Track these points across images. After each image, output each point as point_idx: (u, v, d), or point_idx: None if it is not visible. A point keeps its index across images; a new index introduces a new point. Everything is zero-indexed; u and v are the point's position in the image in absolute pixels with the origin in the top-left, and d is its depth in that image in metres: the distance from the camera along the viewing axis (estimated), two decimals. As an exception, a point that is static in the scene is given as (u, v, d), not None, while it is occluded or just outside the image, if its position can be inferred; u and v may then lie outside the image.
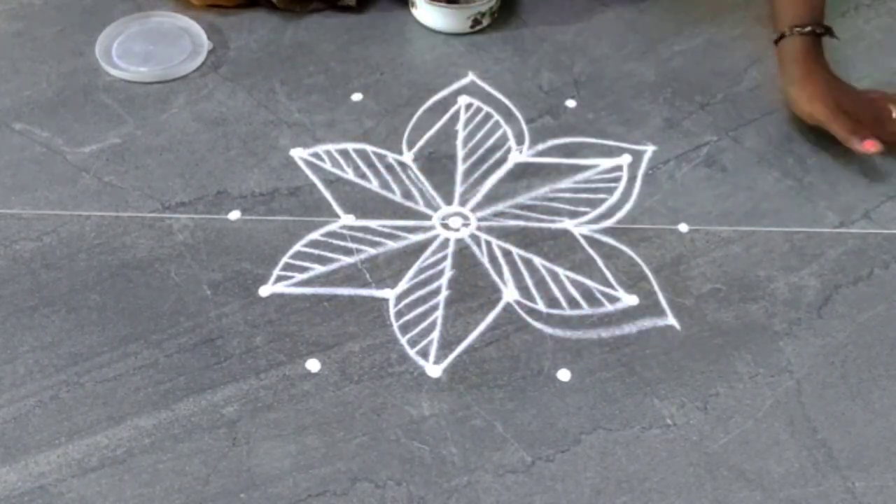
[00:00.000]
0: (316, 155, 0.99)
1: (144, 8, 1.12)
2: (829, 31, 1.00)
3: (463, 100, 1.04)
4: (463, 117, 1.03)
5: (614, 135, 1.01)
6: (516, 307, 0.86)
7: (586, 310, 0.86)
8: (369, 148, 0.99)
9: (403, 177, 0.97)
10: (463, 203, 0.95)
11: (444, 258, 0.90)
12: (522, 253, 0.91)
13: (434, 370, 0.82)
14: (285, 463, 0.76)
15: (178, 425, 0.78)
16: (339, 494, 0.74)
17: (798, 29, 0.98)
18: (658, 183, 0.97)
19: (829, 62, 0.99)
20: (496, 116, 1.03)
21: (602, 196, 0.95)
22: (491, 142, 1.00)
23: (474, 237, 0.92)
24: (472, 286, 0.88)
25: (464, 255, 0.90)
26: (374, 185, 0.96)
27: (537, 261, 0.90)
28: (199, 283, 0.87)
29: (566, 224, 0.93)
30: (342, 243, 0.91)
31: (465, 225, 0.93)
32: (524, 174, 0.97)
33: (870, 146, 0.94)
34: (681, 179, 0.97)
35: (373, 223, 0.92)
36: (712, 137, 1.01)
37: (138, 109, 1.02)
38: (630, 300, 0.87)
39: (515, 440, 0.78)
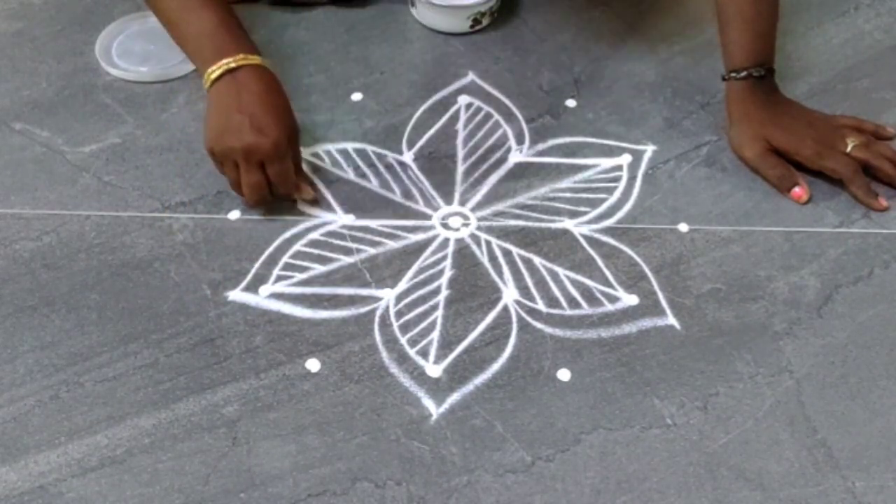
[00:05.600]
0: (316, 155, 0.99)
1: (144, 8, 1.12)
2: (769, 73, 0.97)
3: (463, 99, 1.04)
4: (463, 117, 1.03)
5: (614, 134, 1.01)
6: (516, 307, 0.86)
7: (586, 310, 0.86)
8: (369, 148, 0.99)
9: (403, 176, 0.97)
10: (463, 203, 0.95)
11: (444, 258, 0.90)
12: (522, 253, 0.91)
13: (434, 370, 0.82)
14: (285, 463, 0.76)
15: (178, 425, 0.78)
16: (339, 494, 0.74)
17: (734, 74, 0.97)
18: (658, 183, 0.97)
19: (775, 94, 0.98)
20: (496, 116, 1.03)
21: (602, 196, 0.95)
22: (491, 141, 1.00)
23: (474, 237, 0.92)
24: (472, 286, 0.88)
25: (464, 255, 0.90)
26: (374, 184, 0.96)
27: (537, 261, 0.90)
28: (199, 283, 0.87)
29: (566, 224, 0.93)
30: (342, 243, 0.91)
31: (465, 225, 0.93)
32: (524, 174, 0.97)
33: (797, 196, 0.94)
34: (681, 179, 0.97)
35: (373, 223, 0.92)
36: (712, 137, 1.01)
37: (138, 109, 1.02)
38: (630, 300, 0.87)
39: (515, 440, 0.78)
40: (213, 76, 0.89)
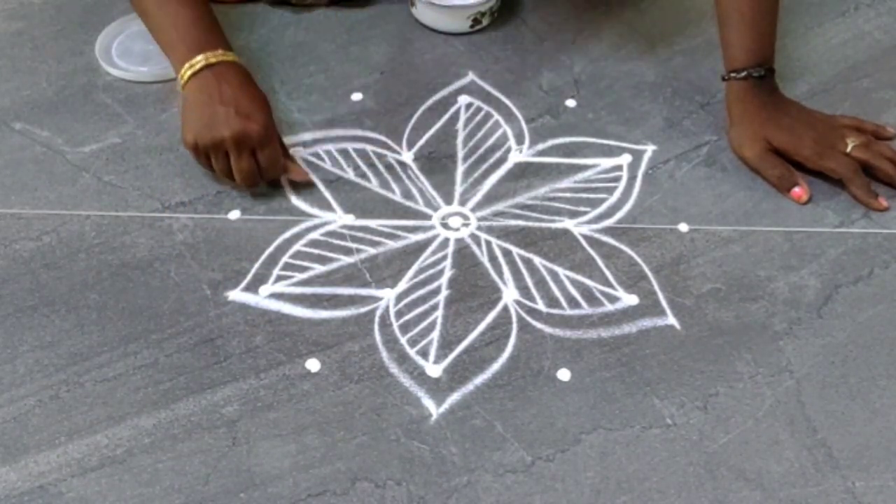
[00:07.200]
0: (316, 155, 0.99)
1: (144, 8, 1.12)
2: (769, 73, 0.97)
3: (463, 99, 1.04)
4: (463, 117, 1.03)
5: (614, 134, 1.01)
6: (516, 307, 0.86)
7: (586, 309, 0.86)
8: (369, 148, 0.99)
9: (403, 176, 0.97)
10: (463, 203, 0.95)
11: (443, 258, 0.90)
12: (522, 253, 0.91)
13: (434, 370, 0.82)
14: (285, 463, 0.76)
15: (178, 425, 0.78)
16: (339, 494, 0.74)
17: (734, 74, 0.97)
18: (658, 182, 0.97)
19: (775, 95, 0.98)
20: (496, 116, 1.03)
21: (602, 196, 0.95)
22: (491, 141, 1.00)
23: (474, 237, 0.92)
24: (472, 286, 0.88)
25: (464, 255, 0.90)
26: (374, 184, 0.96)
27: (537, 260, 0.90)
28: (199, 282, 0.87)
29: (566, 224, 0.93)
30: (342, 243, 0.91)
31: (465, 225, 0.93)
32: (524, 174, 0.97)
33: (797, 196, 0.94)
34: (681, 179, 0.97)
35: (373, 223, 0.92)
36: (712, 137, 1.01)
37: (138, 109, 1.02)
38: (630, 300, 0.87)
39: (515, 440, 0.78)
40: (195, 69, 0.91)
